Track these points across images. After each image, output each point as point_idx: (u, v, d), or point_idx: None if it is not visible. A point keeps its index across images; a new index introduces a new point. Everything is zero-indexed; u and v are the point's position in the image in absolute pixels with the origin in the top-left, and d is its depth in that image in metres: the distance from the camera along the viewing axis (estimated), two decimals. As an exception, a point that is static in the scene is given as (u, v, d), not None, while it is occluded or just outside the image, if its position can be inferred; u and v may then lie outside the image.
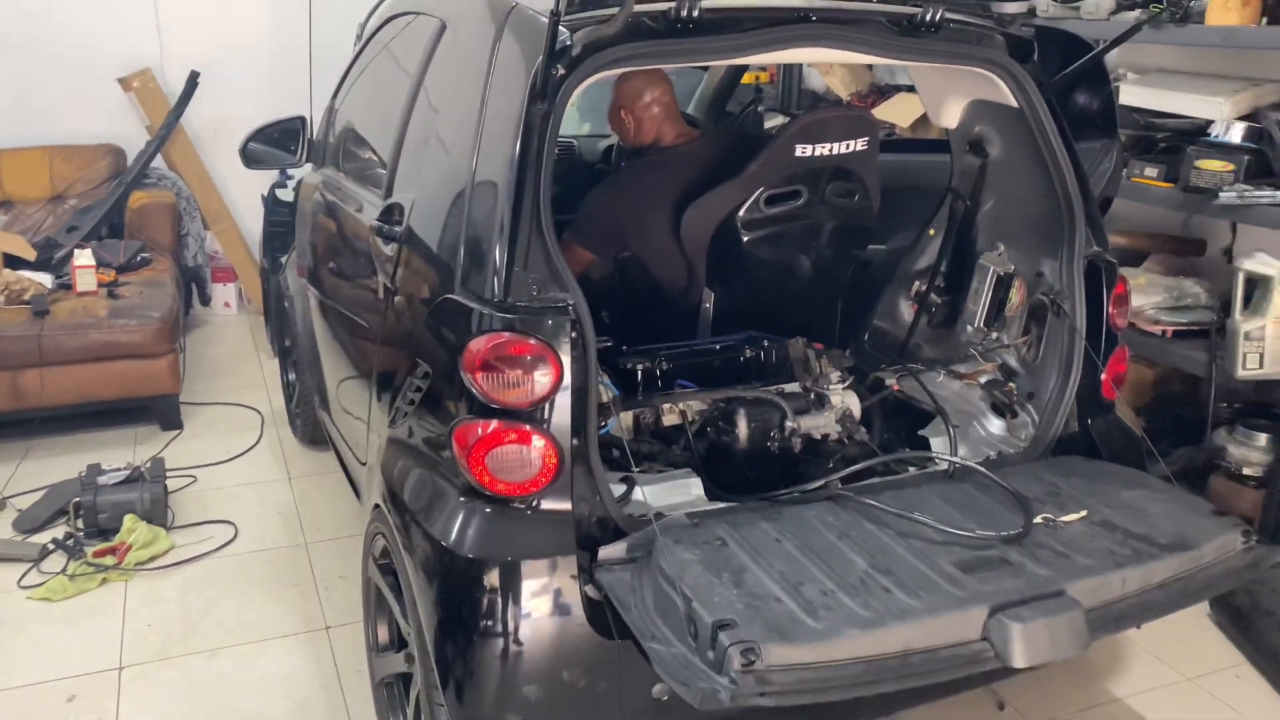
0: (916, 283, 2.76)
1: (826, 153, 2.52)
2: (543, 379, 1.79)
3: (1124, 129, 3.39)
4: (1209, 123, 3.15)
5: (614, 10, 1.84)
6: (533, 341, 1.79)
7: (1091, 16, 3.38)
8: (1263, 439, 2.99)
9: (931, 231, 2.74)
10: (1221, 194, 2.96)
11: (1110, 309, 2.26)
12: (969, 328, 2.57)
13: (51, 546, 3.06)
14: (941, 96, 2.53)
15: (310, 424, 3.68)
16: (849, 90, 4.81)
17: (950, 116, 2.54)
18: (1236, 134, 3.06)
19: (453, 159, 2.07)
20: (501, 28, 2.03)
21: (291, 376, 3.89)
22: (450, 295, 1.91)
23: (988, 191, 2.53)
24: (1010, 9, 2.29)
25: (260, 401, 4.26)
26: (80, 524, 3.13)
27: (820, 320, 2.86)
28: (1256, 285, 2.90)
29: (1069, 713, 2.48)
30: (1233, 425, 3.09)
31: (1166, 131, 3.30)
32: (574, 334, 1.80)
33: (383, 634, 2.28)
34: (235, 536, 3.21)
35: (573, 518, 1.82)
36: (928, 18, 2.12)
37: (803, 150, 2.50)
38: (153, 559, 3.04)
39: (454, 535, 1.83)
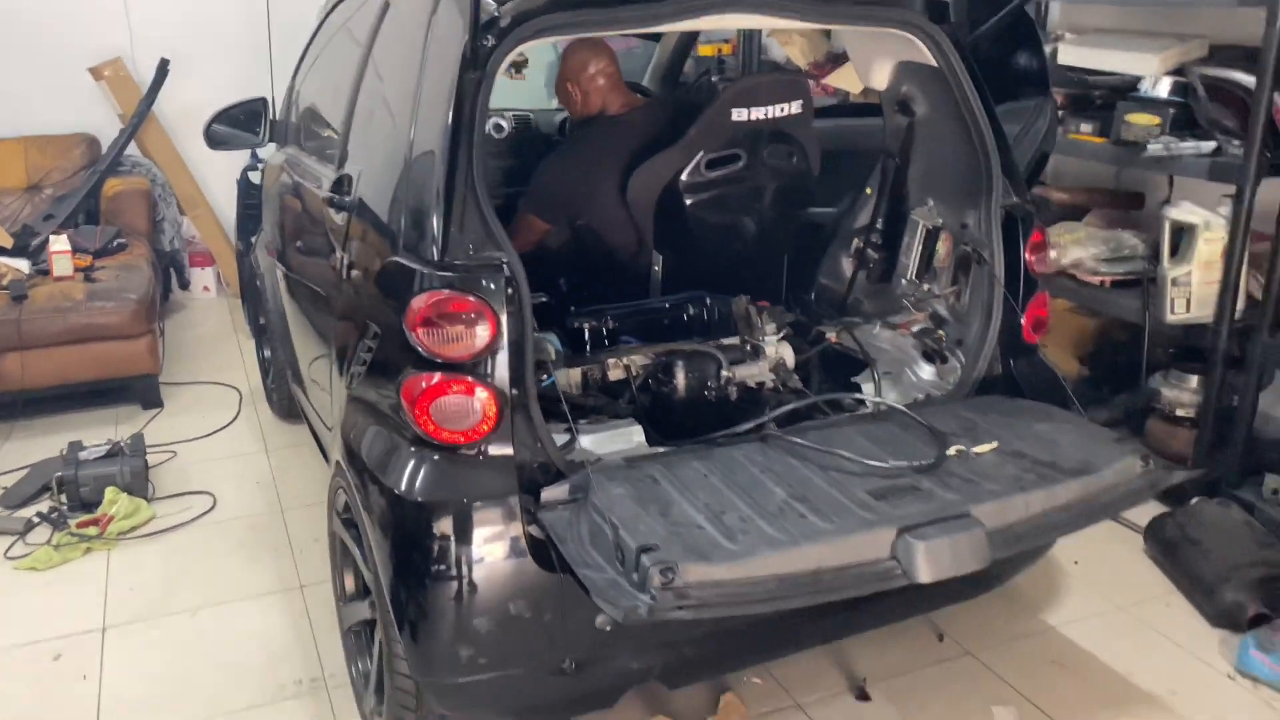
0: (856, 241, 2.87)
1: (762, 117, 2.64)
2: (481, 333, 1.91)
3: (1063, 88, 3.52)
4: (1140, 79, 3.27)
5: (539, -18, 1.95)
6: (471, 299, 1.91)
7: (1028, -22, 3.48)
8: (1194, 381, 3.13)
9: (869, 191, 2.85)
10: (1149, 146, 3.09)
11: (1027, 256, 2.38)
12: (903, 281, 2.69)
13: (36, 520, 3.18)
14: (870, 59, 2.64)
15: (285, 398, 3.79)
16: (808, 59, 4.91)
17: (879, 78, 2.65)
18: (1164, 89, 3.18)
19: (395, 129, 2.18)
20: (437, 2, 2.14)
21: (267, 353, 4.01)
22: (394, 258, 2.03)
23: (916, 149, 2.64)
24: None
25: (239, 380, 4.37)
26: (63, 498, 3.25)
27: (767, 280, 2.98)
28: (1183, 233, 3.03)
29: (1005, 641, 2.62)
30: (1167, 369, 3.23)
31: (1102, 89, 3.42)
32: (509, 290, 1.92)
33: (349, 584, 2.40)
34: (214, 505, 3.33)
35: (515, 463, 1.94)
36: (844, -19, 2.23)
37: (739, 115, 2.61)
38: (134, 529, 3.16)
39: (405, 482, 1.95)
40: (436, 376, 1.92)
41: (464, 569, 1.89)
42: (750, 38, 5.06)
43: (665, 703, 2.36)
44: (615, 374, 2.41)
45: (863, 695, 2.43)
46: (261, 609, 2.79)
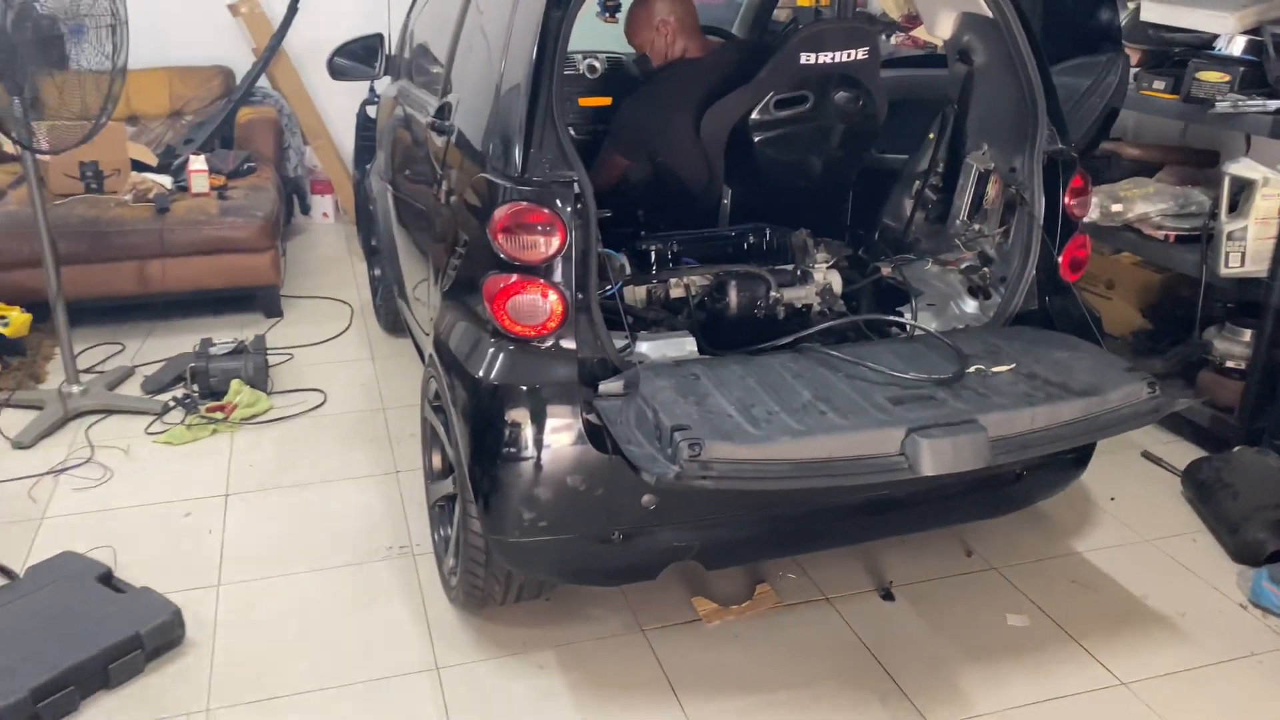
0: (917, 183, 3.05)
1: (829, 60, 2.82)
2: (552, 241, 2.18)
3: (1143, 44, 3.59)
4: (1216, 37, 3.33)
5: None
6: (545, 211, 2.18)
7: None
8: (1246, 334, 3.22)
9: (931, 136, 3.02)
10: (1217, 103, 3.16)
11: (1067, 199, 2.54)
12: (957, 221, 2.86)
13: (172, 403, 3.62)
14: (936, 9, 2.80)
15: (392, 313, 4.17)
16: (900, 11, 5.01)
17: (944, 28, 2.81)
18: (1238, 47, 3.24)
19: (489, 60, 2.46)
20: (531, -52, 2.39)
21: (376, 272, 4.38)
22: (482, 174, 2.32)
23: (975, 96, 2.80)
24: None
25: (351, 297, 4.78)
26: (195, 386, 3.69)
27: (831, 216, 3.18)
28: (1243, 189, 3.11)
29: (1030, 560, 2.81)
30: (1222, 323, 3.32)
31: (1180, 46, 3.48)
32: (578, 205, 2.19)
33: (436, 463, 2.73)
34: (324, 401, 3.73)
35: (577, 357, 2.23)
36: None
37: (807, 58, 2.80)
38: (254, 416, 3.58)
39: (484, 368, 2.25)
40: (513, 277, 2.21)
41: (530, 444, 2.17)
42: (846, -10, 5.16)
43: (705, 585, 2.64)
44: (676, 292, 2.67)
45: (888, 596, 2.67)
46: (360, 488, 3.17)
